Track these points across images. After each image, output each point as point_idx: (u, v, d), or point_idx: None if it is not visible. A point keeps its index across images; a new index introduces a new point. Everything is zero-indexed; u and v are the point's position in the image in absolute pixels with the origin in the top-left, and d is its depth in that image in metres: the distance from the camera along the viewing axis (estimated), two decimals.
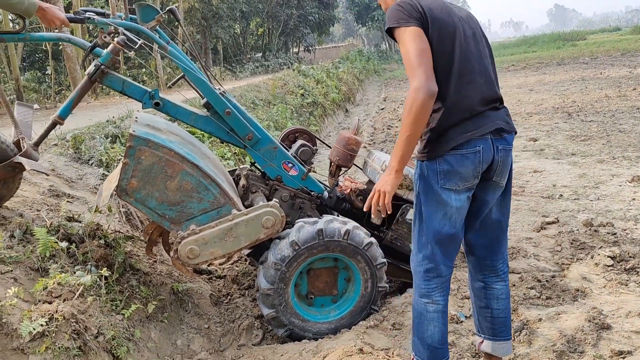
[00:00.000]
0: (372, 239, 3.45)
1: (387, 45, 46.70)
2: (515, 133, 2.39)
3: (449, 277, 2.43)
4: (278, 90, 11.28)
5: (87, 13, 3.28)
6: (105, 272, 3.08)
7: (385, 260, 3.50)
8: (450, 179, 2.21)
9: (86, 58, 3.22)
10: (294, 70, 16.13)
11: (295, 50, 39.81)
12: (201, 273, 4.36)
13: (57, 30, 4.46)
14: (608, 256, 3.93)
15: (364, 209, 2.34)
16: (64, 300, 2.84)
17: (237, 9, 25.97)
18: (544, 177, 6.52)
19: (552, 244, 4.45)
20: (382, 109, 14.98)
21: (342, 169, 4.10)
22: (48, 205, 3.81)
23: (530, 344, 3.03)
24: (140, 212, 3.67)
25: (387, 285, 3.56)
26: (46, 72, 19.94)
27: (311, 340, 3.39)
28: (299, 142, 4.06)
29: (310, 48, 41.30)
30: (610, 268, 3.86)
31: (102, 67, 3.22)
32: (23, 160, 3.12)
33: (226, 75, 22.60)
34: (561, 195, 5.73)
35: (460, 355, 3.01)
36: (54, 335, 2.62)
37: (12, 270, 2.93)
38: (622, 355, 2.83)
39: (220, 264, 4.56)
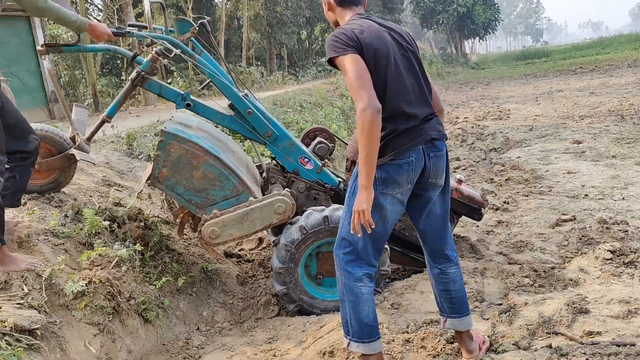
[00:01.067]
0: None
1: (455, 49, 46.25)
2: (446, 139, 2.70)
3: (376, 266, 2.71)
4: (329, 93, 11.72)
5: (129, 27, 3.86)
6: (139, 247, 3.62)
7: (386, 246, 3.84)
8: (387, 185, 2.51)
9: (129, 66, 3.78)
10: None
11: None
12: (231, 256, 4.87)
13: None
14: (608, 250, 4.10)
15: (351, 232, 2.53)
16: (102, 268, 3.40)
17: (301, 15, 26.69)
18: (576, 178, 6.61)
19: (561, 239, 4.64)
20: None
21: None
22: (99, 192, 4.43)
23: (511, 324, 3.29)
24: (171, 198, 4.18)
25: (389, 269, 3.90)
26: (122, 78, 21.36)
27: (317, 315, 3.79)
28: (317, 139, 4.47)
29: None
30: (609, 261, 4.02)
31: (143, 73, 3.78)
32: (75, 152, 3.72)
33: (288, 80, 23.30)
34: (586, 195, 5.84)
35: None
36: (92, 295, 3.18)
37: (63, 244, 3.52)
38: (592, 335, 3.05)
39: (250, 249, 5.05)
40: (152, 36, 3.71)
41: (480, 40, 47.12)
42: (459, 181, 4.39)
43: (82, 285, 3.14)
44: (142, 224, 4.06)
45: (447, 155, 2.72)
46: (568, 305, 3.32)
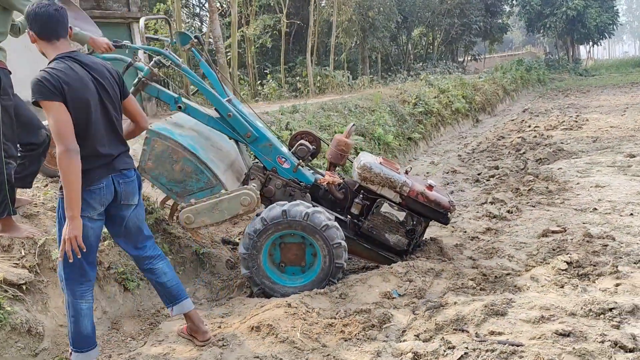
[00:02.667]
0: (330, 222, 4.17)
1: (565, 54, 43.90)
2: (135, 169, 3.18)
3: (93, 281, 3.14)
4: (392, 99, 11.99)
5: (147, 37, 4.51)
6: None
7: (341, 241, 4.19)
8: (84, 209, 2.88)
9: (124, 72, 4.44)
10: (421, 80, 16.64)
11: (462, 59, 39.47)
12: (228, 243, 5.43)
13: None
14: (565, 261, 4.15)
15: (59, 258, 2.95)
16: None
17: (393, 19, 26.88)
18: (600, 192, 6.45)
19: (534, 248, 4.70)
20: (512, 120, 14.81)
21: (337, 166, 4.86)
22: None
23: (429, 319, 3.54)
24: (156, 187, 4.79)
25: (344, 264, 4.25)
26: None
27: (270, 298, 4.21)
28: (300, 141, 4.90)
29: (477, 57, 40.57)
30: (563, 272, 4.09)
31: (143, 79, 4.44)
32: None
33: (377, 84, 23.55)
34: (595, 209, 5.74)
35: (392, 332, 3.53)
36: None
37: None
38: (493, 334, 3.24)
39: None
40: (143, 48, 4.35)
41: (596, 45, 44.28)
42: (430, 186, 4.63)
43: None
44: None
45: (139, 180, 3.23)
46: (486, 307, 3.51)
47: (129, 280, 4.19)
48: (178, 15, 17.76)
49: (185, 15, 26.54)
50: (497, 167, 8.40)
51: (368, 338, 3.44)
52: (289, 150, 4.82)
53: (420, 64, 33.28)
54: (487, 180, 7.83)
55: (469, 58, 39.70)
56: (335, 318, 3.68)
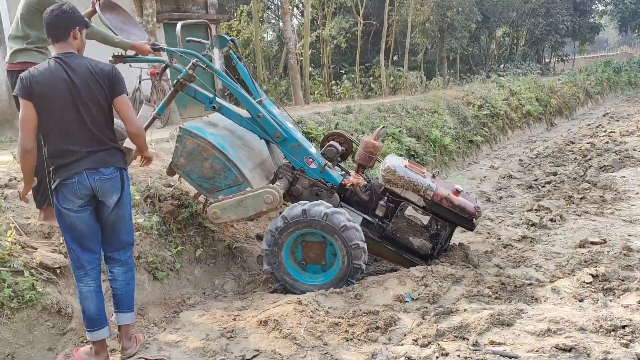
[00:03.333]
0: (349, 223, 4.23)
1: None
2: (115, 167, 3.30)
3: (93, 267, 3.34)
4: (457, 100, 11.78)
5: (189, 40, 4.77)
6: (155, 219, 4.55)
7: (359, 242, 4.24)
8: (64, 201, 3.18)
9: (162, 73, 4.71)
10: (492, 81, 16.13)
11: (548, 60, 37.80)
12: (261, 238, 5.60)
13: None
14: (590, 274, 3.97)
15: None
16: None
17: (473, 19, 26.19)
18: None
19: (565, 259, 4.52)
20: (588, 124, 14.10)
21: (365, 168, 4.90)
22: (160, 175, 5.46)
23: (434, 323, 3.52)
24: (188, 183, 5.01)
25: (363, 264, 4.29)
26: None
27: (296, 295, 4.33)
28: (329, 142, 4.97)
29: (565, 58, 38.68)
30: (588, 285, 3.91)
31: (182, 80, 4.69)
32: (126, 140, 4.76)
33: (452, 85, 23.04)
34: None
35: (395, 335, 3.53)
36: None
37: None
38: (494, 344, 3.18)
39: None
40: (178, 50, 4.59)
41: None
42: (456, 191, 4.57)
43: None
44: (177, 202, 4.99)
45: (122, 179, 3.35)
46: (492, 316, 3.44)
47: (158, 270, 4.45)
48: (256, 18, 18.32)
49: (269, 16, 27.22)
50: (555, 174, 8.06)
51: (369, 339, 3.47)
52: (320, 151, 4.92)
53: (502, 65, 32.26)
54: (542, 186, 7.54)
55: (556, 59, 37.94)
56: (342, 318, 3.74)
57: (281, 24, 29.70)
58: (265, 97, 4.90)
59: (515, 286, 4.07)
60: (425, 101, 11.07)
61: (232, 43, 4.90)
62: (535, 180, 8.03)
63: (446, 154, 9.42)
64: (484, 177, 8.97)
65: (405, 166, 4.61)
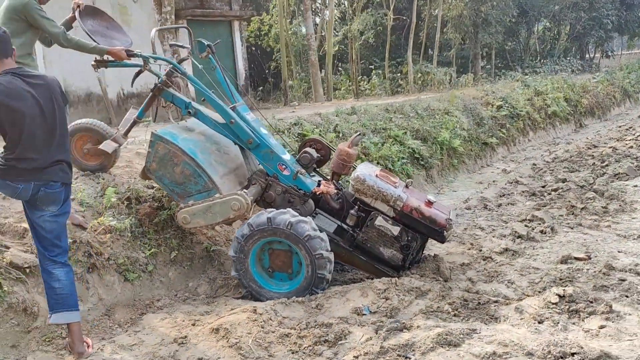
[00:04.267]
0: (313, 233, 4.20)
1: None
2: (65, 184, 3.49)
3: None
4: (476, 100, 11.52)
5: (172, 45, 4.83)
6: (128, 222, 4.63)
7: (324, 252, 4.20)
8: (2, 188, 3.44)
9: (135, 78, 4.75)
10: (517, 80, 15.68)
11: (592, 55, 36.47)
12: None
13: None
14: (557, 294, 3.82)
15: None
16: (98, 233, 4.48)
17: (509, 14, 25.50)
18: None
19: (540, 275, 4.38)
20: (619, 127, 13.57)
21: (340, 175, 4.85)
22: None
23: (384, 340, 3.46)
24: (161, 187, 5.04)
25: (327, 274, 4.26)
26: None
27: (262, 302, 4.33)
28: (305, 149, 4.94)
29: (611, 53, 37.24)
30: (553, 306, 3.76)
31: (159, 85, 4.74)
32: (105, 143, 4.85)
33: (484, 82, 22.56)
34: None
35: (342, 350, 3.49)
36: (74, 251, 4.26)
37: (84, 210, 4.70)
38: None
39: None
40: (152, 57, 4.63)
41: None
42: (429, 202, 4.48)
43: (70, 241, 4.25)
44: (156, 204, 5.06)
45: (67, 193, 3.57)
46: (439, 335, 3.36)
47: (129, 272, 4.54)
48: (281, 12, 18.34)
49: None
50: (564, 180, 7.79)
51: (314, 353, 3.45)
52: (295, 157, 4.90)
53: (540, 61, 31.33)
54: (548, 194, 7.30)
55: (601, 55, 36.58)
56: (294, 329, 3.73)
57: (317, 18, 29.78)
58: (241, 103, 4.91)
59: (479, 303, 3.96)
60: (441, 101, 10.87)
61: (209, 48, 4.92)
62: (543, 186, 7.79)
63: (455, 157, 9.23)
64: (493, 181, 8.75)
65: (377, 175, 4.54)
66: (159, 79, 4.73)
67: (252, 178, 4.81)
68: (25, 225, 4.35)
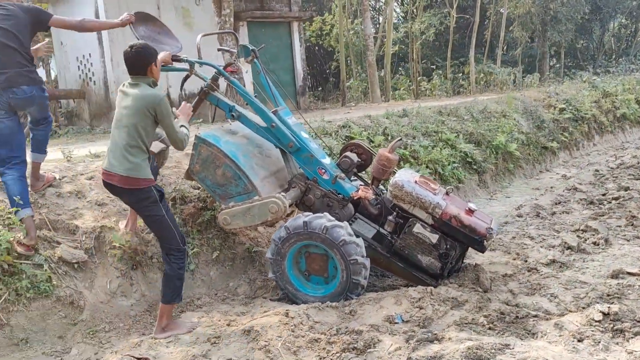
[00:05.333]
0: (348, 238, 4.19)
1: None
2: (30, 87, 4.26)
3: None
4: (537, 102, 11.12)
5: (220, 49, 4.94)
6: None
7: (358, 258, 4.19)
8: None
9: (183, 83, 4.88)
10: (584, 81, 14.96)
11: None
12: None
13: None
14: (601, 311, 3.64)
15: None
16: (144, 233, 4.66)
17: (580, 10, 24.41)
18: None
19: (586, 290, 4.17)
20: None
21: (380, 180, 4.82)
22: None
23: (411, 350, 3.41)
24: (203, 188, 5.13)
25: (362, 280, 4.23)
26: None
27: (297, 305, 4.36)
28: (345, 153, 4.93)
29: None
30: (596, 323, 3.59)
31: (205, 89, 4.87)
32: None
33: (551, 83, 21.74)
34: None
35: (370, 358, 3.45)
36: (122, 250, 4.45)
37: (128, 210, 4.88)
38: None
39: None
40: (198, 62, 4.75)
41: None
42: (469, 210, 4.38)
43: (118, 243, 4.45)
44: (201, 204, 5.20)
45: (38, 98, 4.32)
46: (469, 349, 3.28)
47: None
48: (340, 12, 18.37)
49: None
50: (626, 189, 7.38)
51: None
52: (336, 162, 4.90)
53: (615, 59, 29.82)
54: (608, 202, 6.95)
55: None
56: (324, 334, 3.73)
57: (381, 18, 29.59)
58: (283, 107, 4.96)
59: (517, 317, 3.83)
60: (499, 103, 10.56)
61: (253, 53, 5.00)
62: (603, 194, 7.41)
63: (511, 161, 8.94)
64: (550, 187, 8.42)
65: (416, 182, 4.47)
66: (205, 83, 4.86)
67: (293, 181, 4.84)
68: (76, 222, 4.61)
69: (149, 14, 5.27)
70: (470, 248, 4.57)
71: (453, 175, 7.51)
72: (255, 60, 5.05)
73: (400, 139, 5.02)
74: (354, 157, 4.89)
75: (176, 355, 3.67)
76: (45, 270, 4.13)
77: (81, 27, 4.58)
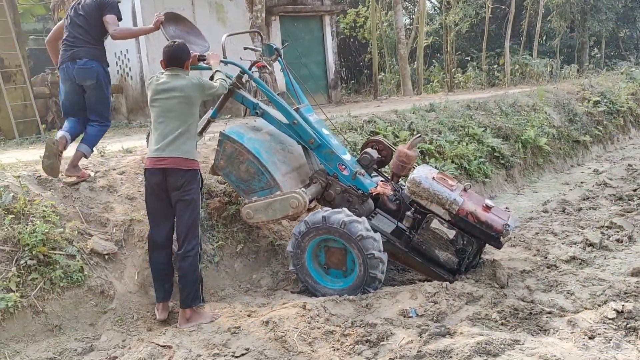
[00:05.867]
0: (365, 233, 4.29)
1: None
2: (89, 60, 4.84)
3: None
4: (570, 95, 10.94)
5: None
6: None
7: (375, 252, 4.29)
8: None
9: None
10: (621, 73, 14.55)
11: None
12: None
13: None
14: (614, 309, 3.64)
15: None
16: None
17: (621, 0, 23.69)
18: None
19: (603, 287, 4.17)
20: None
21: (400, 177, 4.89)
22: None
23: (424, 344, 3.50)
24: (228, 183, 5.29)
25: (379, 274, 4.33)
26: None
27: (316, 297, 4.49)
28: (365, 150, 5.01)
29: None
30: (609, 321, 3.60)
31: (230, 87, 5.02)
32: None
33: (589, 74, 21.22)
34: None
35: (383, 351, 3.57)
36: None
37: None
38: None
39: None
40: (223, 61, 4.89)
41: None
42: (486, 207, 4.42)
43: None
44: (226, 198, 5.37)
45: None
46: (479, 344, 3.35)
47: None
48: (372, 6, 18.32)
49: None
50: None
51: (354, 352, 3.56)
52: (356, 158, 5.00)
53: None
54: (638, 198, 6.84)
55: None
56: (340, 326, 3.85)
57: (416, 8, 29.33)
58: (305, 104, 5.07)
59: (530, 313, 3.87)
60: (531, 96, 10.43)
61: (277, 52, 5.13)
62: (634, 190, 7.29)
63: (541, 156, 8.84)
64: (581, 182, 8.30)
65: (433, 178, 4.52)
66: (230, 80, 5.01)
67: (314, 177, 4.96)
68: (108, 215, 4.84)
69: (178, 14, 5.46)
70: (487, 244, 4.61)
71: (479, 170, 7.50)
72: (279, 58, 5.18)
73: (420, 136, 5.07)
74: (374, 153, 4.98)
75: (198, 343, 3.85)
76: (78, 261, 4.36)
77: (115, 37, 4.92)
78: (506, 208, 4.70)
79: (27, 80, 11.90)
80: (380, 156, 5.04)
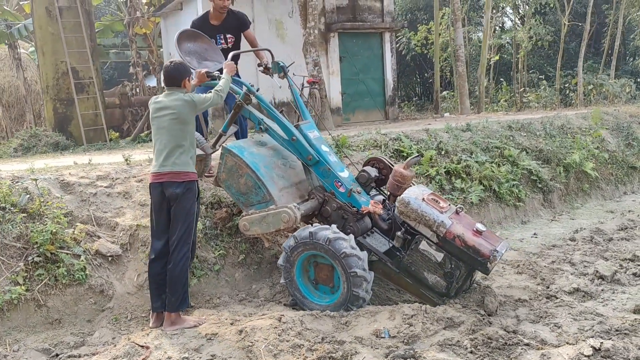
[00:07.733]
0: (349, 251, 4.30)
1: None
2: None
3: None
4: (632, 118, 10.33)
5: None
6: (200, 224, 5.14)
7: (358, 271, 4.27)
8: None
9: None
10: None
11: None
12: None
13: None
14: (592, 346, 3.44)
15: None
16: None
17: None
18: None
19: (594, 323, 3.93)
20: None
21: (396, 196, 4.85)
22: None
23: None
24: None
25: (362, 292, 4.31)
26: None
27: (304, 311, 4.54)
28: (364, 168, 5.02)
29: None
30: (585, 358, 3.39)
31: (239, 102, 5.21)
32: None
33: None
34: None
35: None
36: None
37: None
38: None
39: None
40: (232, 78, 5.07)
41: None
42: (476, 231, 4.30)
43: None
44: (233, 209, 5.54)
45: None
46: None
47: (197, 269, 5.06)
48: (437, 20, 18.13)
49: (473, 17, 26.47)
50: None
51: None
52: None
53: None
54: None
55: None
56: (309, 341, 3.87)
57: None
58: (308, 121, 5.16)
59: (505, 344, 3.72)
60: (586, 118, 9.94)
61: (287, 69, 5.27)
62: None
63: (587, 181, 8.39)
64: (628, 211, 7.79)
65: (423, 199, 4.46)
66: (239, 97, 5.19)
67: (312, 193, 5.02)
68: (118, 219, 5.14)
69: (197, 31, 5.74)
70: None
71: (511, 193, 7.24)
72: (287, 76, 5.32)
73: (417, 156, 5.01)
74: (372, 171, 4.98)
75: (175, 347, 4.00)
76: (82, 260, 4.67)
77: None
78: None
79: (97, 91, 12.77)
80: (379, 175, 5.02)
